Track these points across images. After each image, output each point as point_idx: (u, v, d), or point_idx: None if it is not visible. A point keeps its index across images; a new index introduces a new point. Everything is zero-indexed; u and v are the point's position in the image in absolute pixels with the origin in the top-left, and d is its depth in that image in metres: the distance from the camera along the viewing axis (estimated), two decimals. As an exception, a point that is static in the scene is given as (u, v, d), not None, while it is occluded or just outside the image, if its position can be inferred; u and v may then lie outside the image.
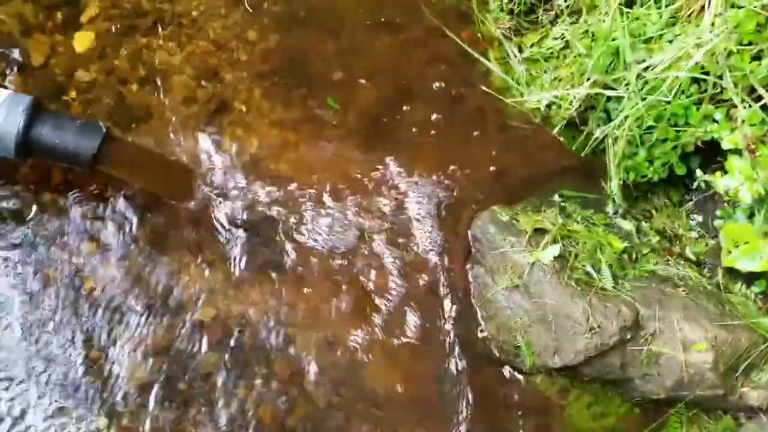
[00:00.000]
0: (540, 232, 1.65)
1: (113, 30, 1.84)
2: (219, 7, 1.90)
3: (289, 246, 1.73)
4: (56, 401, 1.54)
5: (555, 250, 1.59)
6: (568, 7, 1.90)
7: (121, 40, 1.83)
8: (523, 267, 1.61)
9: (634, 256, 1.75)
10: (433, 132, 1.86)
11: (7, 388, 1.53)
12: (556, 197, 1.79)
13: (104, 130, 1.53)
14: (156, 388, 1.57)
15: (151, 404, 1.56)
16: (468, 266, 1.73)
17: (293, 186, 1.78)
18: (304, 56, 1.91)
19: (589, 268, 1.63)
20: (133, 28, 1.85)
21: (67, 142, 1.49)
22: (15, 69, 1.75)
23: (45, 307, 1.60)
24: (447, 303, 1.72)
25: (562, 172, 1.85)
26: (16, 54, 1.77)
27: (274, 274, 1.70)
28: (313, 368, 1.65)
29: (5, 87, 1.61)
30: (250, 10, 1.91)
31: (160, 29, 1.86)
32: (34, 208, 1.65)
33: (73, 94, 1.77)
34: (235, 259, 1.70)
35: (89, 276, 1.63)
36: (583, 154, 1.85)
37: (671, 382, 1.61)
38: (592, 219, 1.78)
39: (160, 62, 1.83)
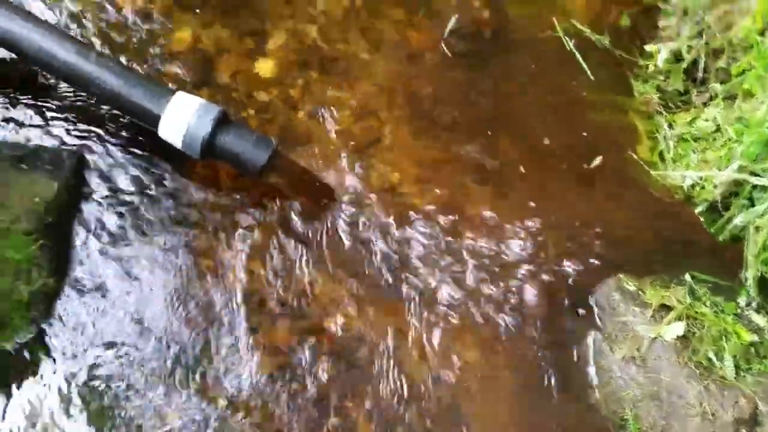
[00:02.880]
0: (665, 308, 1.65)
1: (293, 61, 2.07)
2: (387, 52, 2.08)
3: (411, 275, 1.83)
4: (184, 379, 1.72)
5: (679, 328, 1.58)
6: (723, 91, 1.91)
7: (298, 71, 2.06)
8: (644, 340, 1.61)
9: (762, 351, 1.70)
10: (571, 187, 1.93)
11: (142, 365, 1.74)
12: (687, 277, 1.77)
13: (274, 145, 1.72)
14: (274, 382, 1.71)
15: (268, 396, 1.70)
16: (586, 329, 1.74)
17: (425, 220, 1.89)
18: (456, 104, 2.04)
19: (711, 354, 1.60)
20: (310, 62, 2.07)
21: (242, 151, 1.70)
22: (206, 82, 2.02)
23: (194, 292, 1.80)
24: (559, 362, 1.74)
25: (696, 253, 1.84)
26: (209, 70, 2.04)
27: (395, 299, 1.81)
28: (417, 398, 1.72)
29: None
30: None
31: (332, 66, 2.06)
32: (203, 202, 1.88)
33: (251, 111, 2.00)
34: (363, 278, 1.82)
35: (234, 270, 1.82)
36: (720, 239, 1.83)
37: (786, 489, 1.53)
38: (722, 306, 1.74)
39: (327, 95, 2.03)
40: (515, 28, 2.12)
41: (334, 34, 2.10)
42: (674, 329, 1.58)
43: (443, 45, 2.11)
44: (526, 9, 2.15)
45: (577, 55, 2.07)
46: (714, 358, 1.60)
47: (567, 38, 2.09)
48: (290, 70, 2.05)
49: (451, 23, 2.12)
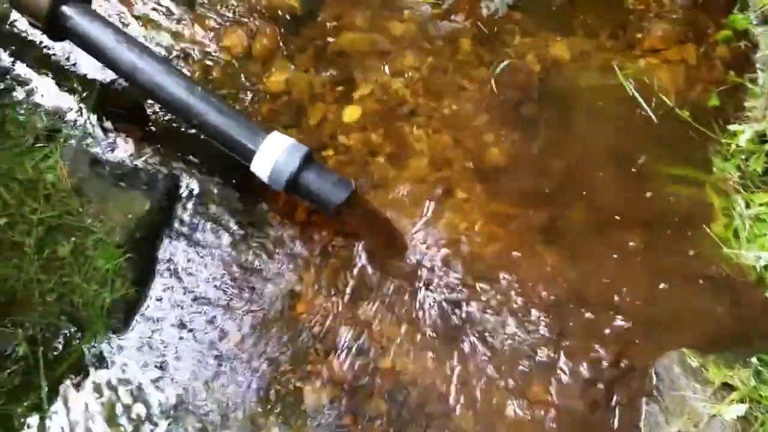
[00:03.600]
0: (728, 387, 1.60)
1: (377, 110, 2.18)
2: (467, 109, 2.17)
3: (469, 326, 1.86)
4: (244, 402, 1.79)
5: (741, 409, 1.54)
6: (807, 175, 1.89)
7: (381, 119, 2.16)
8: (702, 417, 1.57)
9: (831, 446, 1.62)
10: (638, 258, 1.91)
11: (202, 384, 1.83)
12: (754, 359, 1.72)
13: (353, 187, 1.82)
14: (328, 413, 1.76)
15: (319, 426, 1.75)
16: (643, 400, 1.72)
17: (489, 275, 1.92)
18: (530, 164, 2.08)
19: (775, 442, 1.55)
20: (393, 112, 2.18)
21: (323, 190, 1.81)
22: (295, 123, 2.15)
23: (260, 319, 1.89)
24: (612, 430, 1.71)
25: (765, 336, 1.79)
26: (299, 112, 2.18)
27: (452, 347, 1.83)
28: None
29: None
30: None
31: (414, 117, 2.16)
32: (280, 235, 1.99)
33: (332, 152, 2.11)
34: (421, 323, 1.87)
35: (301, 302, 1.90)
36: (793, 325, 1.78)
37: None
38: (790, 394, 1.68)
39: (406, 144, 2.12)
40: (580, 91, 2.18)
41: (418, 88, 2.20)
42: (735, 409, 1.54)
43: (493, 83, 2.19)
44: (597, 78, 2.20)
45: (638, 98, 2.11)
46: (778, 446, 1.54)
47: (630, 86, 2.12)
48: (373, 117, 2.17)
49: (501, 66, 2.21)
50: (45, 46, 2.24)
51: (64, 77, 2.19)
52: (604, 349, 1.80)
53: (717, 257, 1.90)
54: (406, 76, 2.23)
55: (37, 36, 2.24)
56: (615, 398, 1.74)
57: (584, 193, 2.01)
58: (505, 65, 2.21)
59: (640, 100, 2.11)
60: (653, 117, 2.09)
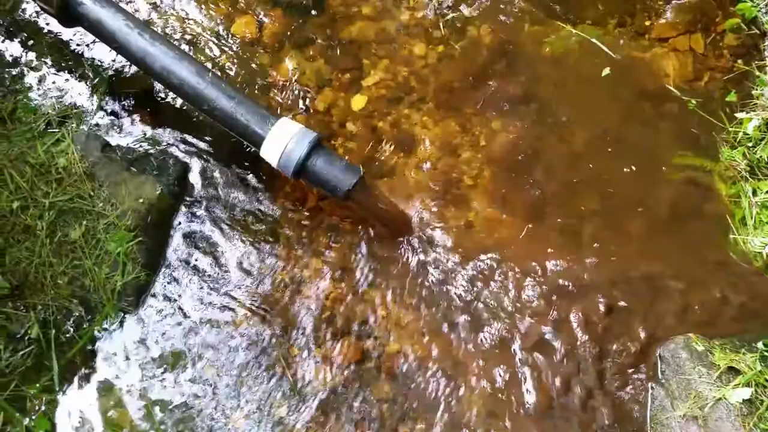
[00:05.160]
0: (733, 371, 1.62)
1: (385, 97, 2.19)
2: (475, 97, 2.17)
3: (476, 311, 1.87)
4: (252, 384, 1.82)
5: (746, 392, 1.55)
6: (815, 162, 1.89)
7: (389, 106, 2.18)
8: (707, 400, 1.58)
9: (837, 431, 1.63)
10: (646, 244, 1.92)
11: (212, 369, 1.85)
12: (760, 345, 1.73)
13: (361, 173, 1.83)
14: (334, 396, 1.78)
15: (326, 408, 1.77)
16: (649, 384, 1.73)
17: (494, 260, 1.93)
18: (538, 154, 2.09)
19: (779, 425, 1.56)
20: (401, 99, 2.19)
21: (331, 175, 1.82)
22: (304, 110, 2.17)
23: (269, 302, 1.91)
24: (618, 413, 1.72)
25: (771, 322, 1.80)
26: (307, 100, 2.19)
27: (457, 330, 1.85)
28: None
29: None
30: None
31: (421, 104, 2.17)
32: (289, 220, 2.01)
33: (340, 140, 2.13)
34: (426, 305, 1.89)
35: (309, 286, 1.92)
36: (799, 311, 1.79)
37: None
38: (795, 379, 1.69)
39: (413, 132, 2.13)
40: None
41: (425, 76, 2.21)
42: (741, 393, 1.55)
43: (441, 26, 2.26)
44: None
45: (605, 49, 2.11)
46: (782, 430, 1.56)
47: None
48: (382, 105, 2.18)
49: (450, 17, 2.28)
50: (56, 33, 2.25)
51: (76, 63, 2.20)
52: (610, 334, 1.81)
53: (724, 244, 1.91)
54: (414, 63, 2.24)
55: (48, 22, 2.26)
56: (622, 383, 1.75)
57: (589, 180, 2.02)
58: (454, 16, 2.26)
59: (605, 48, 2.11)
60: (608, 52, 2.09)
